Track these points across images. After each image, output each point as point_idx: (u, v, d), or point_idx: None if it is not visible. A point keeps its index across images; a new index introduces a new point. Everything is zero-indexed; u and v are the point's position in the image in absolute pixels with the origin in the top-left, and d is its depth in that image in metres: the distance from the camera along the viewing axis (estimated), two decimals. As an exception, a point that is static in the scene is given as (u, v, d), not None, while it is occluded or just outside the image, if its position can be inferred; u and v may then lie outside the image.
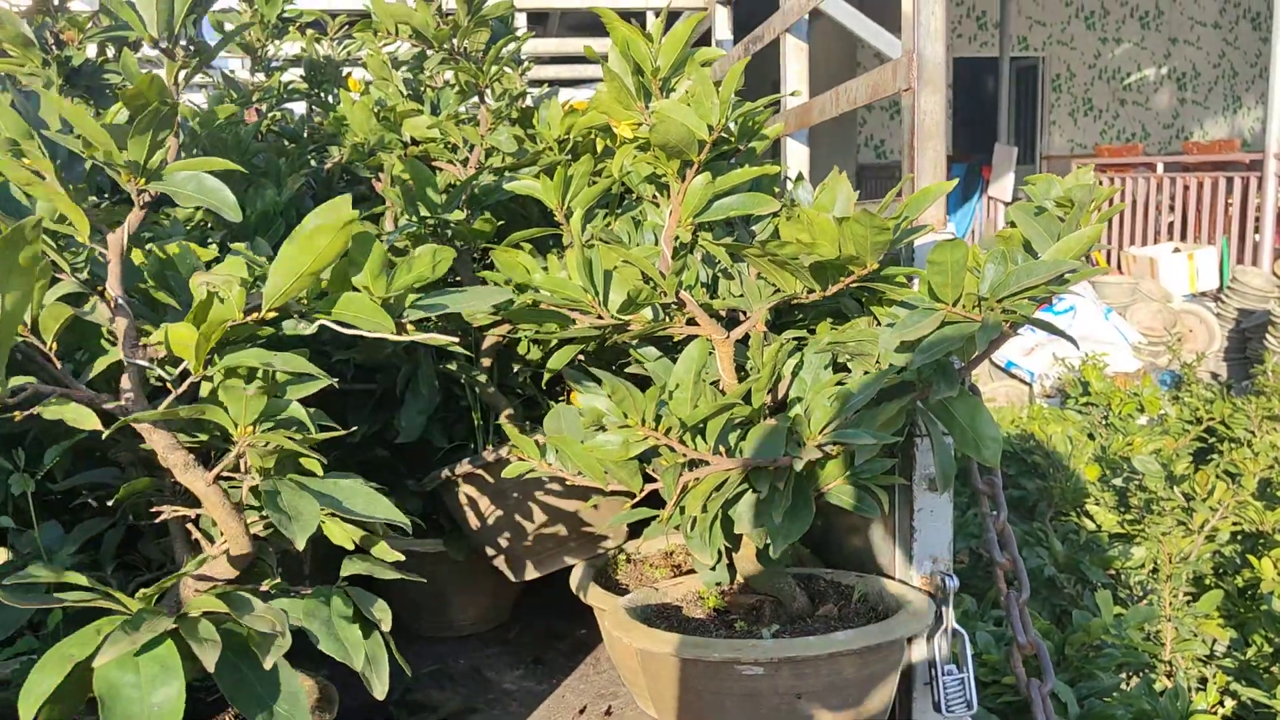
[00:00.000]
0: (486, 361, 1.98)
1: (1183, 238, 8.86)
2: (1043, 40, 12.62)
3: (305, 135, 2.51)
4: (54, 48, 1.82)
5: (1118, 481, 3.89)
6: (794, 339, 1.53)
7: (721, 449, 1.31)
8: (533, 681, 2.04)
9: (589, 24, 8.09)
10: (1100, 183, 1.40)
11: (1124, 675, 2.58)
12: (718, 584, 1.66)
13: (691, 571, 1.92)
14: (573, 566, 1.94)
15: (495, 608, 2.29)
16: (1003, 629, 2.73)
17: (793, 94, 2.04)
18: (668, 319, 1.51)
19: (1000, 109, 11.30)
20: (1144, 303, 7.51)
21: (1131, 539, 3.53)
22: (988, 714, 2.34)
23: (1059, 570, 3.20)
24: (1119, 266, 8.67)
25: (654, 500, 1.50)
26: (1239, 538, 3.48)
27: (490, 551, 1.90)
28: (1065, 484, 3.65)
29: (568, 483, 1.58)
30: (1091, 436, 4.34)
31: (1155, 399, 4.84)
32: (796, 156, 2.40)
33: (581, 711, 1.91)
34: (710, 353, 1.49)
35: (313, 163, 2.43)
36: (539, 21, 6.36)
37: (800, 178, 1.72)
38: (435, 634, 2.26)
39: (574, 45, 4.51)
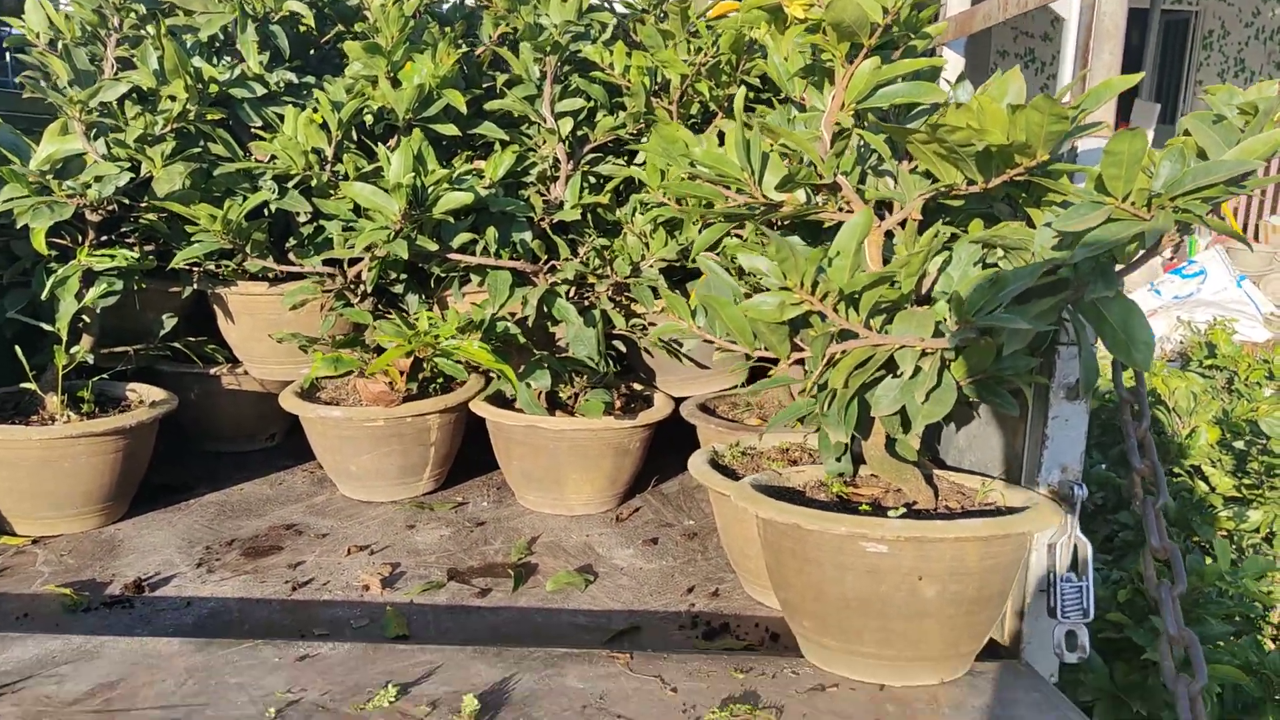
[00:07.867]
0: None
1: (1329, 209, 8.38)
2: (1197, -7, 11.90)
3: (458, 19, 2.56)
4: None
5: (1239, 444, 3.77)
6: (946, 234, 1.52)
7: (871, 324, 1.32)
8: (642, 561, 2.11)
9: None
10: None
11: (1231, 628, 2.53)
12: (840, 474, 1.68)
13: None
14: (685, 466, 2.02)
15: (608, 492, 2.37)
16: (1107, 570, 2.70)
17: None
18: (819, 204, 1.52)
19: (1145, 64, 10.75)
20: (1281, 273, 7.16)
21: (1248, 503, 3.43)
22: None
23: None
24: (1256, 235, 8.26)
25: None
26: (1364, 509, 3.34)
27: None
28: (1184, 439, 3.55)
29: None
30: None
31: (1287, 368, 4.62)
32: (952, 65, 2.35)
33: (689, 590, 1.97)
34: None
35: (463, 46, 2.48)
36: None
37: (962, 78, 1.69)
38: (549, 510, 2.36)
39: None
